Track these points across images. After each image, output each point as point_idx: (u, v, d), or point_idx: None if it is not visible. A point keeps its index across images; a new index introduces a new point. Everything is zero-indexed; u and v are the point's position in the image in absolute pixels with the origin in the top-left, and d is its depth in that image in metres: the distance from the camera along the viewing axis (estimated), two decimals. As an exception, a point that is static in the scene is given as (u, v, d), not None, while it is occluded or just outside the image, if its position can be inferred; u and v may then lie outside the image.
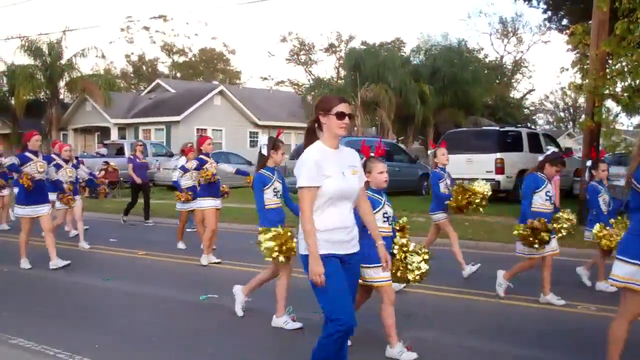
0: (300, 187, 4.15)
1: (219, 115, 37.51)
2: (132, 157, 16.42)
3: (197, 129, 36.16)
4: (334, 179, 4.18)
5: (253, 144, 37.54)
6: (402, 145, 29.24)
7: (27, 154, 10.11)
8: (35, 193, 9.88)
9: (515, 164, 18.32)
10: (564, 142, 56.19)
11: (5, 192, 15.00)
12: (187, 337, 6.34)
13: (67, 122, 39.38)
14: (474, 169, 17.21)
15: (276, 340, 6.29)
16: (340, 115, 4.25)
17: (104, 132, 38.17)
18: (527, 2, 25.12)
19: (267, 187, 6.75)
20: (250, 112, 38.65)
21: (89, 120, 38.54)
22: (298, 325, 6.57)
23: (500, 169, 18.24)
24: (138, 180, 15.90)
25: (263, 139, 7.01)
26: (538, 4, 24.85)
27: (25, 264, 10.06)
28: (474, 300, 7.99)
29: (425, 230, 13.30)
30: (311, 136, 4.39)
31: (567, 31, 17.74)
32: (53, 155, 11.91)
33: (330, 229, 4.21)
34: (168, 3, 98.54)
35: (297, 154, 24.38)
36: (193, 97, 37.70)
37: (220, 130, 37.46)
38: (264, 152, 6.82)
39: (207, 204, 10.50)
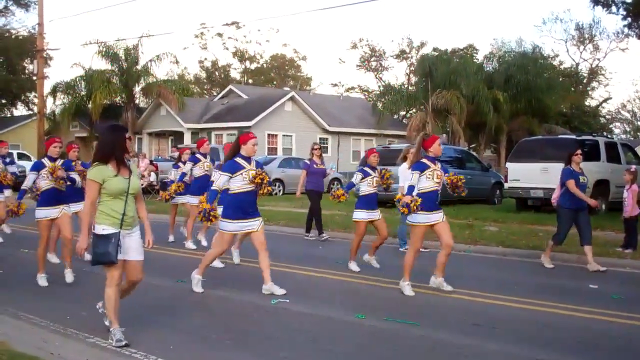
0: None
1: (290, 121, 37.84)
2: (308, 162, 14.45)
3: (268, 134, 36.57)
4: None
5: (322, 150, 37.65)
6: (474, 153, 28.76)
7: (197, 155, 11.22)
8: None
9: (592, 173, 17.77)
10: (642, 152, 54.48)
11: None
12: (259, 340, 6.36)
13: (142, 126, 40.32)
14: (549, 178, 16.78)
15: (346, 346, 6.24)
16: None
17: (178, 136, 38.90)
18: (605, 9, 24.38)
19: None
20: (321, 118, 38.84)
21: (163, 125, 39.35)
22: None
23: None
24: (298, 193, 14.34)
25: None
26: (617, 11, 24.11)
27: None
28: (552, 314, 7.74)
29: (497, 240, 13.10)
30: None
31: (648, 38, 17.21)
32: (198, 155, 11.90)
33: None
34: (241, 10, 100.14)
35: (364, 161, 23.96)
36: (264, 103, 38.14)
37: (291, 135, 37.75)
38: None
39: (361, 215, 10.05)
